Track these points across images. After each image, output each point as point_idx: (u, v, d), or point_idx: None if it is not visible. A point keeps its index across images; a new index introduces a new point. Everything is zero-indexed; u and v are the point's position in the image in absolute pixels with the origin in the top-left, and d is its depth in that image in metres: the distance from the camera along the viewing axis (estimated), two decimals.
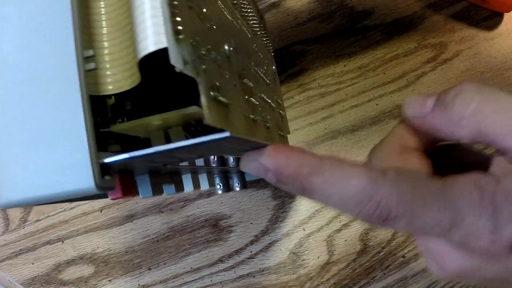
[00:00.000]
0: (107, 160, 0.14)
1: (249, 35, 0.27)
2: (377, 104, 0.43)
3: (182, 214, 0.39)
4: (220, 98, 0.15)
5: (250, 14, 0.30)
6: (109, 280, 0.36)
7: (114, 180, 0.15)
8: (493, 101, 0.17)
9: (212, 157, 0.29)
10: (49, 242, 0.38)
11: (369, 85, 0.44)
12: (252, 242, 0.38)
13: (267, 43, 0.34)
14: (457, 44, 0.49)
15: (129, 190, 0.18)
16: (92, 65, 0.15)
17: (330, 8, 0.46)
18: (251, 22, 0.29)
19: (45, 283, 0.37)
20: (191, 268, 0.37)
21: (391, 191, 0.16)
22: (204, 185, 0.29)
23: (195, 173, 0.28)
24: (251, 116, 0.19)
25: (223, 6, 0.21)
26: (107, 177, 0.14)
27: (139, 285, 0.37)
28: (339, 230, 0.40)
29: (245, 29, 0.26)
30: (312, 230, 0.40)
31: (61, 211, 0.38)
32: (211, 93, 0.14)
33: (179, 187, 0.24)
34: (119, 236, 0.38)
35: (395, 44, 0.48)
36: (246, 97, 0.19)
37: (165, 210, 0.39)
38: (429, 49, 0.48)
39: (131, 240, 0.38)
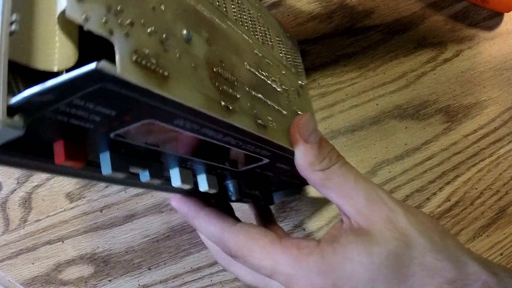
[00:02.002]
0: (13, 99, 0.15)
1: (249, 39, 0.29)
2: (377, 104, 0.43)
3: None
4: (149, 64, 0.17)
5: (256, 25, 0.32)
6: (109, 280, 0.36)
7: (22, 121, 0.16)
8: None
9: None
10: (49, 242, 0.38)
11: (369, 85, 0.44)
12: None
13: (287, 57, 0.36)
14: (457, 44, 0.49)
15: (76, 156, 0.19)
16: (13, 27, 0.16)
17: (330, 8, 0.46)
18: (259, 33, 0.32)
19: (45, 283, 0.37)
20: (191, 268, 0.37)
21: (233, 238, 0.25)
22: (203, 186, 0.27)
23: (186, 168, 0.26)
24: (221, 101, 0.21)
25: (195, 3, 0.24)
26: (16, 118, 0.16)
27: (139, 285, 0.37)
28: None
29: (240, 32, 0.28)
30: (312, 230, 0.40)
31: (61, 211, 0.38)
32: (134, 56, 0.16)
33: (157, 175, 0.24)
34: (119, 236, 0.38)
35: (395, 44, 0.48)
36: (217, 84, 0.22)
37: (165, 210, 0.39)
38: (429, 49, 0.48)
39: (131, 240, 0.38)
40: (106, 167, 0.21)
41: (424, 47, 0.48)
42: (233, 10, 0.28)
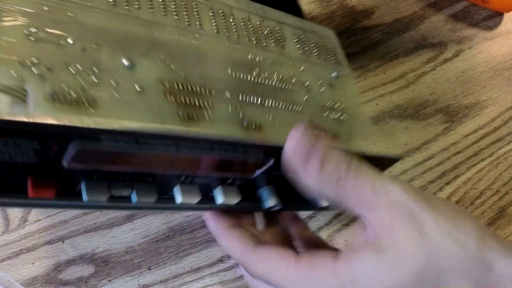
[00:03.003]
0: None
1: (238, 47, 0.30)
2: (377, 104, 0.43)
3: (182, 214, 0.39)
4: (69, 99, 0.20)
5: (253, 32, 0.33)
6: (109, 280, 0.36)
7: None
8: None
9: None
10: (49, 242, 0.38)
11: (369, 85, 0.44)
12: None
13: (313, 51, 0.35)
14: (457, 44, 0.49)
15: (44, 190, 0.21)
16: None
17: (330, 8, 0.46)
18: (259, 39, 0.33)
19: (45, 283, 0.37)
20: (191, 268, 0.37)
21: (251, 264, 0.26)
22: (219, 199, 0.27)
23: (191, 183, 0.27)
24: (178, 112, 0.23)
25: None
26: None
27: (139, 285, 0.37)
28: (339, 230, 0.40)
29: (224, 42, 0.30)
30: (312, 230, 0.40)
31: (61, 211, 0.38)
32: (50, 94, 0.20)
33: (147, 194, 0.24)
34: (119, 236, 0.38)
35: (395, 44, 0.48)
36: (174, 98, 0.24)
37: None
38: (429, 49, 0.48)
39: (131, 240, 0.38)
40: (83, 195, 0.23)
41: (424, 47, 0.48)
42: (213, 24, 0.30)
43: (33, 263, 0.37)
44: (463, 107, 0.45)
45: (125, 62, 0.23)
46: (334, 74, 0.35)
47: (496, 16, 0.50)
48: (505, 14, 0.50)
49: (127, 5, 0.26)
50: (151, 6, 0.28)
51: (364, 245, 0.23)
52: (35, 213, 0.40)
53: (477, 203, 0.41)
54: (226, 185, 0.28)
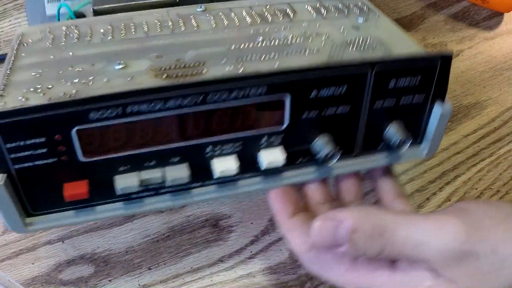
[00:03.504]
0: None
1: (238, 28, 0.29)
2: None
3: (182, 214, 0.39)
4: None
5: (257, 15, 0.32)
6: (109, 280, 0.36)
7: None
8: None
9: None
10: (49, 242, 0.38)
11: None
12: (252, 242, 0.38)
13: (326, 7, 0.33)
14: (457, 44, 0.49)
15: (77, 191, 0.23)
16: None
17: None
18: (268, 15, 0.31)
19: (45, 283, 0.37)
20: (191, 268, 0.37)
21: (307, 265, 0.27)
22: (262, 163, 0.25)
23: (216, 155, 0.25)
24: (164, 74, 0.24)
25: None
26: None
27: (139, 285, 0.37)
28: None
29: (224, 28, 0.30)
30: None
31: None
32: None
33: (180, 171, 0.24)
34: (119, 236, 0.38)
35: None
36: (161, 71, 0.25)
37: (165, 210, 0.39)
38: (429, 49, 0.48)
39: (131, 240, 0.38)
40: (116, 186, 0.24)
41: (424, 47, 0.48)
42: (212, 24, 0.30)
43: (33, 263, 0.37)
44: (463, 107, 0.45)
45: (116, 67, 0.25)
46: (360, 20, 0.32)
47: (496, 16, 0.50)
48: (505, 14, 0.50)
49: (122, 35, 0.28)
50: (147, 29, 0.29)
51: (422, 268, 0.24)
52: None
53: None
54: (266, 144, 0.25)
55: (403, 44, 0.28)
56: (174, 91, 0.22)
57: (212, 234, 0.38)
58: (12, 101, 0.22)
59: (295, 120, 0.25)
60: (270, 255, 0.38)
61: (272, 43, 0.28)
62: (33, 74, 0.24)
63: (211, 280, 0.37)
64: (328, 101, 0.25)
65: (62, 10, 0.35)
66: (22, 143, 0.21)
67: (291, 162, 0.27)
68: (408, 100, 0.27)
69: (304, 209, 0.29)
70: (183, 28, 0.30)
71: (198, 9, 0.32)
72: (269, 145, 0.25)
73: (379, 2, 0.50)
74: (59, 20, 0.36)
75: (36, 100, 0.22)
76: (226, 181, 0.26)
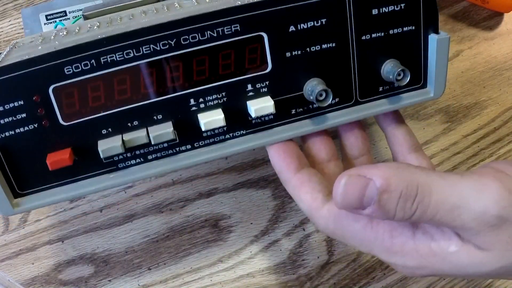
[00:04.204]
0: None
1: None
2: None
3: (182, 214, 0.39)
4: None
5: None
6: (109, 280, 0.36)
7: None
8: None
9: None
10: (49, 242, 0.38)
11: None
12: (252, 242, 0.38)
13: None
14: (457, 44, 0.49)
15: (60, 158, 0.23)
16: None
17: None
18: None
19: (45, 283, 0.37)
20: (191, 268, 0.37)
21: (322, 223, 0.24)
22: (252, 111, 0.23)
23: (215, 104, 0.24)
24: None
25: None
26: None
27: (139, 285, 0.37)
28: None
29: None
30: (312, 230, 0.40)
31: (61, 211, 0.38)
32: None
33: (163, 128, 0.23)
34: (119, 236, 0.38)
35: None
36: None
37: (165, 210, 0.39)
38: None
39: (131, 240, 0.38)
40: (99, 150, 0.23)
41: None
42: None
43: (33, 263, 0.37)
44: (463, 107, 0.45)
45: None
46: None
47: (496, 16, 0.50)
48: (505, 14, 0.50)
49: None
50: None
51: (448, 238, 0.22)
52: (35, 213, 0.40)
53: None
54: (253, 94, 0.24)
55: None
56: (146, 36, 0.21)
57: (212, 234, 0.38)
58: None
59: (279, 62, 0.23)
60: (270, 255, 0.38)
61: None
62: (18, 55, 0.23)
63: (211, 280, 0.37)
64: (310, 36, 0.23)
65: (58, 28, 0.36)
66: (1, 108, 0.21)
67: (285, 114, 0.25)
68: (398, 31, 0.25)
69: (309, 166, 0.26)
70: (165, 9, 0.26)
71: None
72: (256, 94, 0.24)
73: None
74: None
75: (13, 60, 0.21)
76: (215, 141, 0.25)
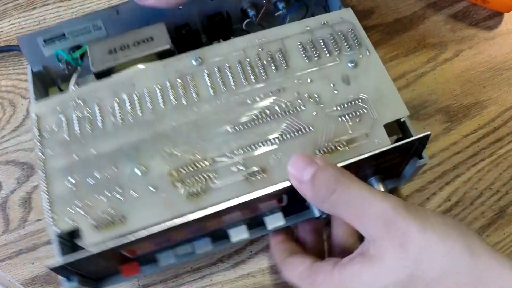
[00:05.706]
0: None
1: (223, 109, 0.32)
2: None
3: None
4: (106, 220, 0.29)
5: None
6: None
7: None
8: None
9: None
10: (49, 242, 0.38)
11: None
12: (252, 242, 0.38)
13: (318, 54, 0.35)
14: (457, 44, 0.49)
15: (131, 271, 0.32)
16: None
17: None
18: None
19: (45, 283, 0.37)
20: (191, 268, 0.37)
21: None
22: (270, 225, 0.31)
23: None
24: (187, 194, 0.29)
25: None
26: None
27: (139, 285, 0.37)
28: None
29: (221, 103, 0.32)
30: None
31: None
32: (94, 223, 0.28)
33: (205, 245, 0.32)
34: None
35: (395, 44, 0.48)
36: (180, 182, 0.30)
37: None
38: (429, 49, 0.48)
39: None
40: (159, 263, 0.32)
41: (424, 47, 0.48)
42: (209, 85, 0.32)
43: (33, 263, 0.37)
44: (463, 107, 0.45)
45: (138, 172, 0.29)
46: (350, 65, 0.34)
47: (496, 16, 0.50)
48: (505, 14, 0.50)
49: (130, 117, 0.31)
50: (151, 105, 0.32)
51: (358, 254, 0.26)
52: (35, 213, 0.40)
53: (477, 203, 0.41)
54: (269, 214, 0.31)
55: (391, 106, 0.33)
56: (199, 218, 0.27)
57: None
58: (63, 225, 0.28)
59: (291, 200, 0.30)
60: (270, 255, 0.38)
61: (269, 119, 0.31)
62: (68, 186, 0.29)
63: (211, 280, 0.37)
64: None
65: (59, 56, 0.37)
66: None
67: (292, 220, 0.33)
68: (386, 164, 0.32)
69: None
70: (184, 102, 0.32)
71: (193, 62, 0.33)
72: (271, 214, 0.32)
73: (379, 2, 0.50)
74: (59, 61, 0.37)
75: (84, 225, 0.28)
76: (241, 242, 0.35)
